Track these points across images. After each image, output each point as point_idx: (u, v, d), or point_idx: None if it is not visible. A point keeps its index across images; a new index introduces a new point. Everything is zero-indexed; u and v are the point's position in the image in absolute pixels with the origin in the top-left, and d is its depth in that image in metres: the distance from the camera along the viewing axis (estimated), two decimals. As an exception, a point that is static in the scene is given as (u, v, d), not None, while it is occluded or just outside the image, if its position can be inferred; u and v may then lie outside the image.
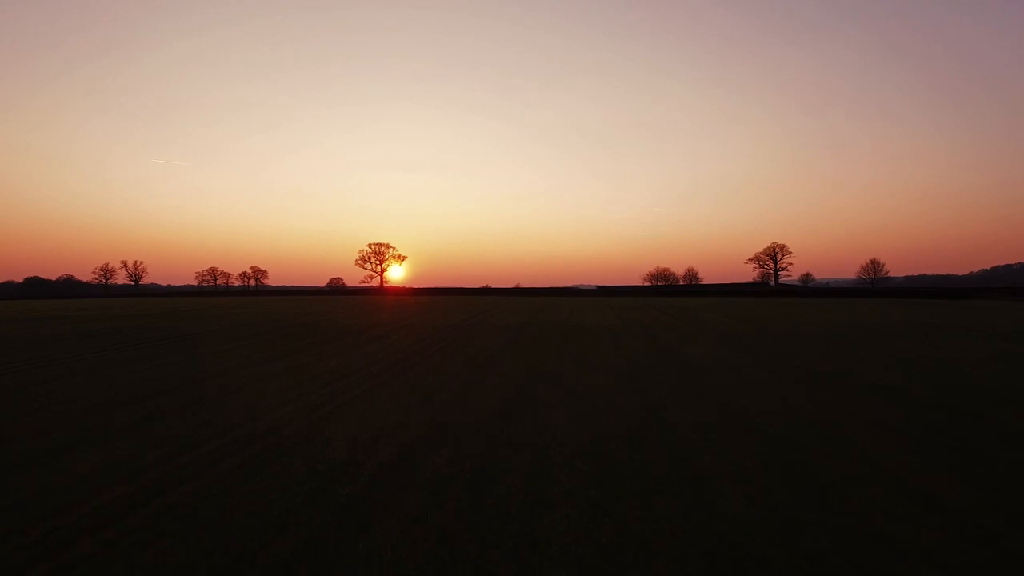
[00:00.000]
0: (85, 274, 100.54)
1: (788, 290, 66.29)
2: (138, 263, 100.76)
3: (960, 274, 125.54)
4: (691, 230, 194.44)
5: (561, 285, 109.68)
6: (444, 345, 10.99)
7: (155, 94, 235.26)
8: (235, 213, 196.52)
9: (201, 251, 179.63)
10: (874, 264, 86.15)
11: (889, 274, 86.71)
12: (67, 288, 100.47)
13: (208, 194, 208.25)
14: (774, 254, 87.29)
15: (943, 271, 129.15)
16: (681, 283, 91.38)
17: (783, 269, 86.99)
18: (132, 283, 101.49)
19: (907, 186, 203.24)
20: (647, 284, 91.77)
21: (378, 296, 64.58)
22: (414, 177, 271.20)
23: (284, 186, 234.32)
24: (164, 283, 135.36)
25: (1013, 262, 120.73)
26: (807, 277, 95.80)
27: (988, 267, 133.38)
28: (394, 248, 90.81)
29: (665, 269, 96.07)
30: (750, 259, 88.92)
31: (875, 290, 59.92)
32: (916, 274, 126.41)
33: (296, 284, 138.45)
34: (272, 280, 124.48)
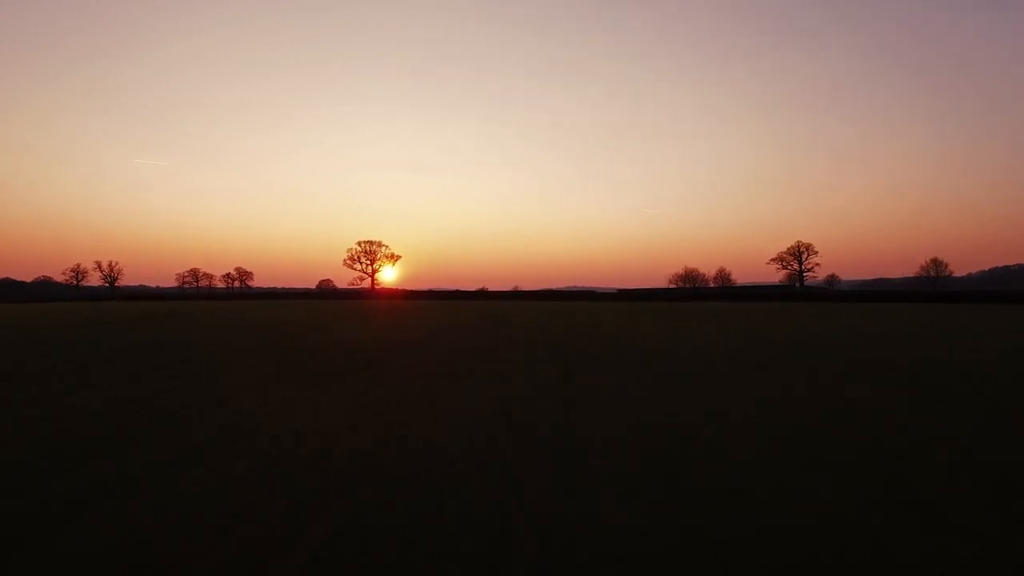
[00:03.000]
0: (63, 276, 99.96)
1: (821, 294, 64.24)
2: (113, 263, 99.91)
3: (958, 275, 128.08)
4: (702, 231, 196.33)
5: (565, 287, 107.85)
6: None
7: (154, 94, 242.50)
8: (235, 213, 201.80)
9: (197, 252, 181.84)
10: (935, 264, 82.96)
11: (953, 274, 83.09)
12: (42, 290, 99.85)
13: (208, 194, 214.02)
14: (799, 254, 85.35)
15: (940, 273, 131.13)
16: (711, 285, 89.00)
17: (809, 270, 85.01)
18: (107, 284, 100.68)
19: (904, 187, 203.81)
20: (672, 287, 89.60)
21: (367, 300, 63.14)
22: (413, 177, 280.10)
23: (282, 186, 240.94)
24: (153, 284, 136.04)
25: (1012, 263, 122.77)
26: (833, 278, 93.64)
27: (987, 268, 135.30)
28: (387, 247, 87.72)
29: (693, 270, 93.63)
30: (772, 259, 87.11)
31: (937, 294, 56.21)
32: (913, 275, 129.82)
33: (286, 286, 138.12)
34: (259, 281, 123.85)
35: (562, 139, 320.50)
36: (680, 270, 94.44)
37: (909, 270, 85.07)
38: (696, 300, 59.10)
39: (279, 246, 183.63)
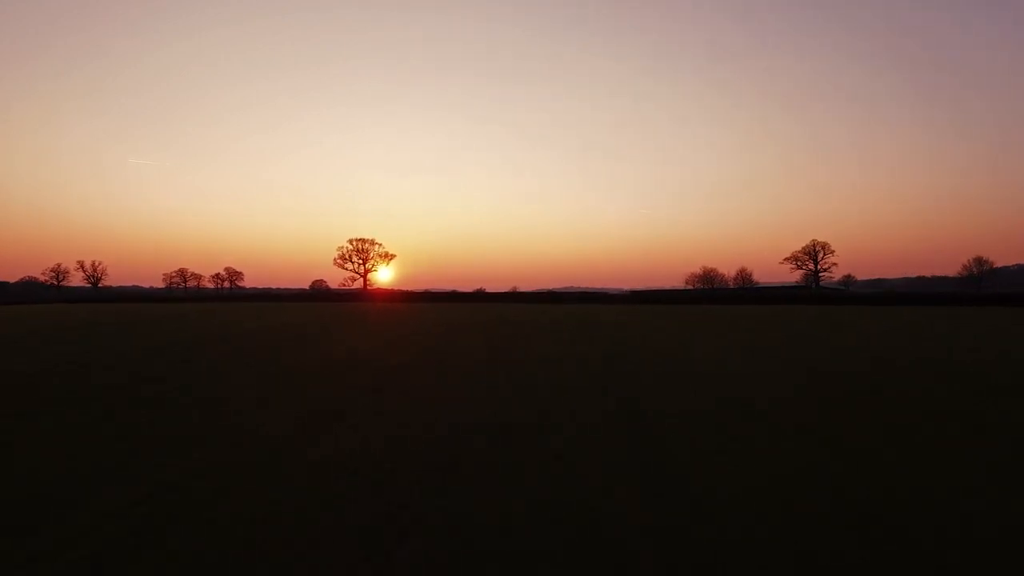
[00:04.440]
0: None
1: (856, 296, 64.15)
2: (96, 263, 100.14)
3: (956, 276, 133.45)
4: (701, 231, 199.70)
5: (562, 287, 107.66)
6: None
7: (151, 94, 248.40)
8: (227, 213, 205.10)
9: (185, 252, 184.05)
10: (979, 262, 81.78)
11: (994, 265, 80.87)
12: (27, 291, 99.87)
13: (199, 194, 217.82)
14: (814, 253, 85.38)
15: (939, 273, 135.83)
16: (731, 286, 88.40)
17: (825, 270, 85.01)
18: (90, 285, 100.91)
19: (900, 188, 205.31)
20: (689, 287, 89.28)
21: (364, 302, 63.25)
22: (413, 179, 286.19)
23: (276, 186, 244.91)
24: (137, 285, 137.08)
25: (1011, 263, 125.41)
26: (849, 279, 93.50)
27: (985, 269, 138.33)
28: (380, 245, 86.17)
29: (712, 270, 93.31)
30: (787, 259, 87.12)
31: (983, 296, 53.92)
32: (914, 276, 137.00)
33: (277, 286, 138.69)
34: (249, 282, 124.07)
35: (562, 140, 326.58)
36: (697, 270, 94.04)
37: (909, 271, 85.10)
38: (712, 303, 59.14)
39: (269, 246, 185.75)
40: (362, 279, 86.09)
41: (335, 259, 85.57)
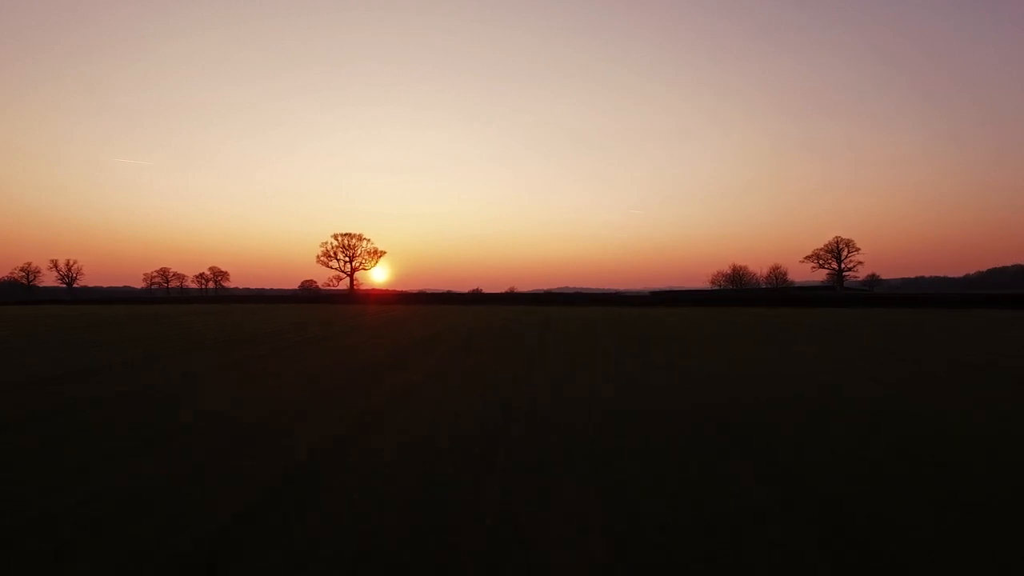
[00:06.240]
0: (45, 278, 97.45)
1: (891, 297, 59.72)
2: (71, 262, 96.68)
3: (955, 276, 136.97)
4: (704, 230, 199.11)
5: (559, 288, 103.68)
6: None
7: (143, 96, 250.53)
8: (216, 213, 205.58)
9: (169, 252, 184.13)
10: None
11: None
12: (10, 291, 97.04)
13: (188, 195, 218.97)
14: (837, 251, 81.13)
15: (939, 273, 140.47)
16: (763, 286, 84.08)
17: (849, 269, 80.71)
18: (64, 285, 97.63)
19: (896, 188, 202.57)
20: (717, 287, 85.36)
21: (345, 305, 59.51)
22: (408, 180, 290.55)
23: (266, 187, 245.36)
24: (138, 286, 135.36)
25: (1009, 263, 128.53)
26: (873, 278, 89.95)
27: (984, 269, 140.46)
28: (368, 240, 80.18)
29: (742, 268, 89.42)
30: (807, 257, 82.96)
31: None
32: (912, 276, 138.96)
33: (268, 287, 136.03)
34: (236, 282, 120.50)
35: (562, 141, 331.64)
36: (727, 268, 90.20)
37: (908, 271, 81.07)
38: (741, 305, 54.87)
39: (258, 246, 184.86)
40: (349, 278, 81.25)
41: (318, 256, 79.97)
